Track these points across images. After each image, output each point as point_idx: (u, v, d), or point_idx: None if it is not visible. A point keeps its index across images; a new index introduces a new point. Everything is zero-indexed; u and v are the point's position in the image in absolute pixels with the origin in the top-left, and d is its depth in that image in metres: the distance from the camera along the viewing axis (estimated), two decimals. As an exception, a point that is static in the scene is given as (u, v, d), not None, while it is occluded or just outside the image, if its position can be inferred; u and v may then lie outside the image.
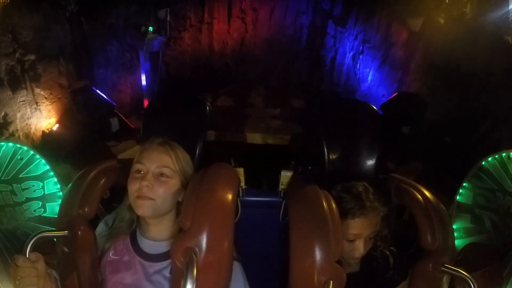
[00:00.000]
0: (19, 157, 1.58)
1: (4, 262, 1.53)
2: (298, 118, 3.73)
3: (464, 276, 1.27)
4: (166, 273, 1.32)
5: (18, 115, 2.51)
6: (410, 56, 3.58)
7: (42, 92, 2.67)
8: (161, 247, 1.37)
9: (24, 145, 1.60)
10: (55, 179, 1.66)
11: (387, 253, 1.59)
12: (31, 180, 1.62)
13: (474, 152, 2.26)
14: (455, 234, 1.80)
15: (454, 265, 1.43)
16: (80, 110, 2.69)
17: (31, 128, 2.58)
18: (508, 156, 1.62)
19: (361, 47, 4.56)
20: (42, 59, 2.69)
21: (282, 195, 1.85)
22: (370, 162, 1.76)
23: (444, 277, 1.38)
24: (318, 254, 1.20)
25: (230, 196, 1.30)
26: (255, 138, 3.35)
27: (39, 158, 1.63)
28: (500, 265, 1.53)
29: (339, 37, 4.90)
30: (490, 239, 1.66)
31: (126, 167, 1.57)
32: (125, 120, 2.91)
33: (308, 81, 5.21)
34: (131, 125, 2.93)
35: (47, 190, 1.66)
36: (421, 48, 3.43)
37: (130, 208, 1.38)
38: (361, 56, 4.50)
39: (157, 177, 1.32)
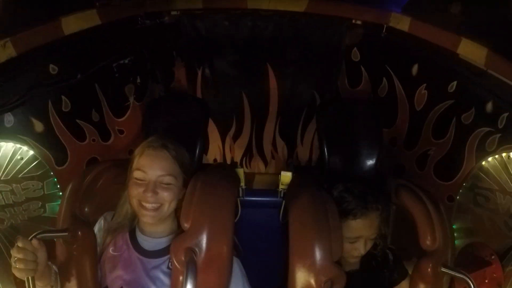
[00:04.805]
0: (19, 157, 1.59)
1: (4, 262, 1.53)
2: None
3: (464, 276, 1.27)
4: (164, 267, 1.32)
5: None
6: None
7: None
8: (160, 243, 1.37)
9: (24, 145, 1.60)
10: (55, 179, 1.67)
11: (387, 251, 1.59)
12: (31, 180, 1.62)
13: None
14: (455, 234, 1.80)
15: (454, 265, 1.43)
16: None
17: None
18: (508, 156, 1.62)
19: None
20: None
21: (282, 195, 1.85)
22: (370, 162, 1.76)
23: (444, 277, 1.38)
24: (318, 254, 1.20)
25: (230, 196, 1.30)
26: (260, 1, 2.28)
27: (38, 158, 1.63)
28: (500, 265, 1.53)
29: None
30: (490, 239, 1.66)
31: (125, 167, 1.58)
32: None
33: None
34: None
35: (47, 190, 1.66)
36: None
37: (132, 206, 1.38)
38: None
39: (159, 184, 1.31)
